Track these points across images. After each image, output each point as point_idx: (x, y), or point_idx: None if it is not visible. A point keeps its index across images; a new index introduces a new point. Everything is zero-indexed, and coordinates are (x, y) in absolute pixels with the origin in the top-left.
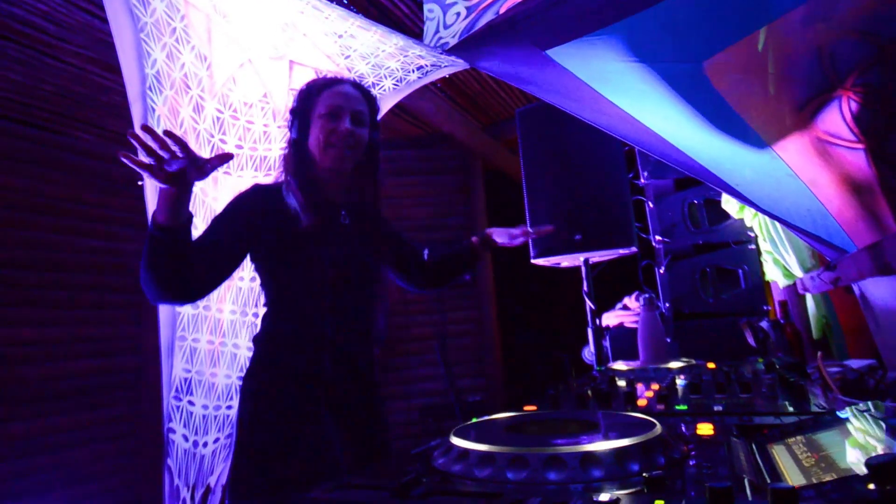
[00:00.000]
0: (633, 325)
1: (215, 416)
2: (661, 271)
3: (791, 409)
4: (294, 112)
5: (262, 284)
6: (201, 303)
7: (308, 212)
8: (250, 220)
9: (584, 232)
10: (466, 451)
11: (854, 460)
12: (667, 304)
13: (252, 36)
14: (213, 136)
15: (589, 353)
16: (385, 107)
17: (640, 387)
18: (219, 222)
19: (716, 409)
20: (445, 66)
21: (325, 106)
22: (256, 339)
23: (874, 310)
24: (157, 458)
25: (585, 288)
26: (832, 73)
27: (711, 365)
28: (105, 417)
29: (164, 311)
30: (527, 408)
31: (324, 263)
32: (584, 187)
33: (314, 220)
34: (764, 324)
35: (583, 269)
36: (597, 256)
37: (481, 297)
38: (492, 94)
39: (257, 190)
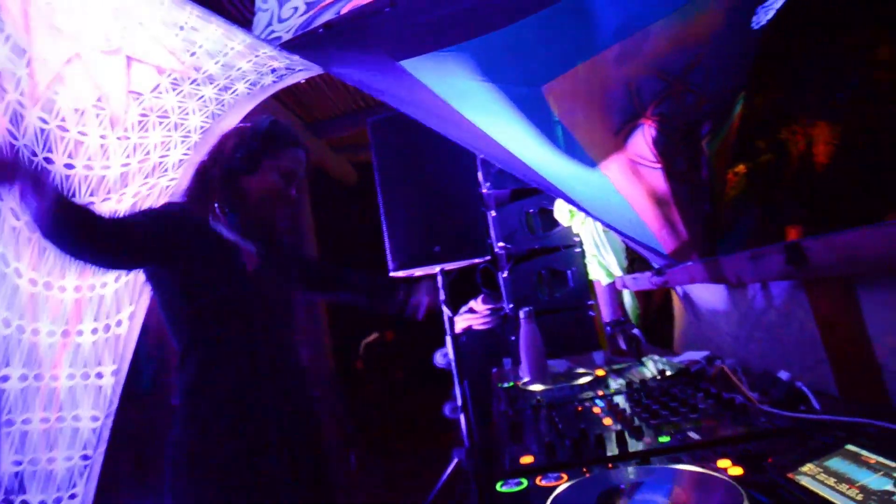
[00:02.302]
0: (482, 328)
1: None
2: (505, 275)
3: (745, 428)
4: (253, 150)
5: (185, 325)
6: (30, 373)
7: (245, 248)
8: (181, 243)
9: (442, 243)
10: None
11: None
12: (510, 305)
13: (79, 23)
14: (36, 155)
15: (441, 356)
16: (242, 113)
17: (599, 414)
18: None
19: (692, 435)
20: (300, 70)
21: (285, 165)
22: (187, 392)
23: (696, 307)
24: None
25: (442, 296)
26: (638, 104)
27: (601, 372)
28: None
29: None
30: (524, 460)
31: (259, 301)
32: (440, 199)
33: (250, 258)
34: (636, 331)
35: (439, 278)
36: (452, 266)
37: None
38: (318, 93)
39: (187, 215)
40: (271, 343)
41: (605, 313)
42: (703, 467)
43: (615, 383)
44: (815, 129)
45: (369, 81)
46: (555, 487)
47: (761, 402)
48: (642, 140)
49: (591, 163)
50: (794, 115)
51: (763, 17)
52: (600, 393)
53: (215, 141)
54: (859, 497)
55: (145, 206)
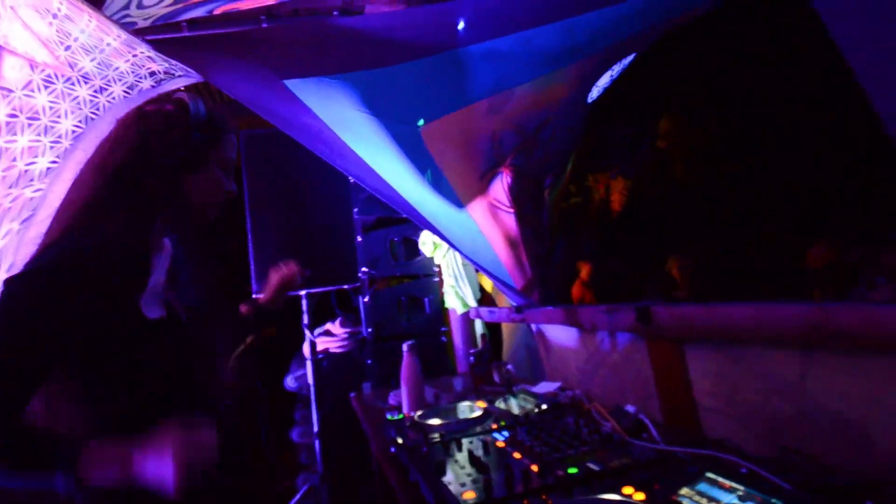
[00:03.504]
0: (339, 351)
1: None
2: (366, 299)
3: (628, 459)
4: (195, 141)
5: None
6: None
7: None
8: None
9: (312, 267)
10: None
11: None
12: (369, 329)
13: None
14: None
15: (292, 380)
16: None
17: (518, 457)
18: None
19: (592, 466)
20: (180, 76)
21: (227, 156)
22: None
23: (549, 343)
24: None
25: (306, 320)
26: (499, 153)
27: (481, 403)
28: None
29: None
30: (467, 496)
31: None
32: (314, 222)
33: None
34: (510, 366)
35: (304, 302)
36: (320, 290)
37: None
38: None
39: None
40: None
41: (458, 341)
42: (618, 495)
43: (503, 416)
44: (614, 181)
45: (252, 97)
46: None
47: (615, 430)
48: (500, 186)
49: (459, 204)
50: (599, 167)
51: (595, 93)
52: (494, 426)
53: (126, 134)
54: None
55: (4, 221)
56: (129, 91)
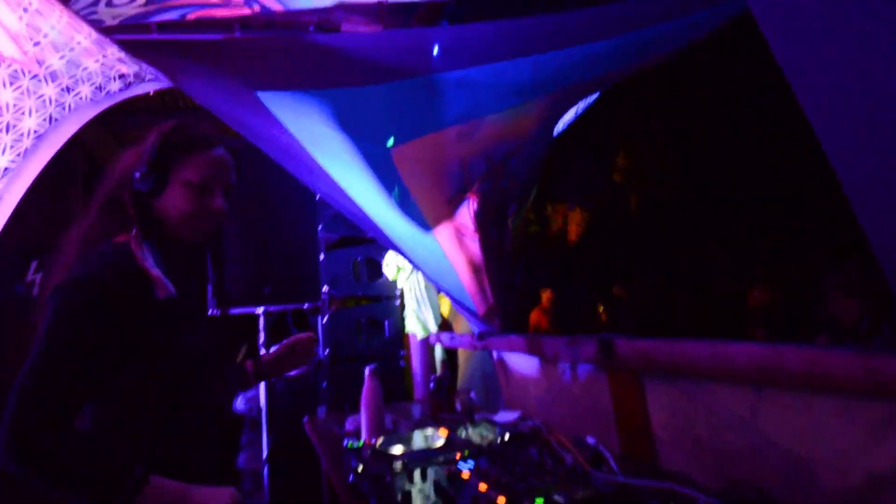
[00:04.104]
0: (293, 373)
1: None
2: (325, 320)
3: (592, 490)
4: (153, 164)
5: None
6: None
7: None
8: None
9: (274, 284)
10: None
11: None
12: (326, 350)
13: None
14: None
15: (242, 402)
16: (82, 121)
17: (483, 489)
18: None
19: (558, 498)
20: (149, 80)
21: (197, 174)
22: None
23: (509, 371)
24: None
25: (262, 339)
26: (467, 180)
27: (443, 431)
28: None
29: None
30: None
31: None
32: (278, 238)
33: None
34: (473, 394)
35: (261, 320)
36: (279, 308)
37: None
38: None
39: (122, 260)
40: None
41: (416, 366)
42: None
43: (465, 445)
44: (571, 212)
45: (222, 106)
46: None
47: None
48: (467, 212)
49: (427, 226)
50: (558, 197)
51: (561, 127)
52: (458, 455)
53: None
54: None
55: None
56: (97, 92)
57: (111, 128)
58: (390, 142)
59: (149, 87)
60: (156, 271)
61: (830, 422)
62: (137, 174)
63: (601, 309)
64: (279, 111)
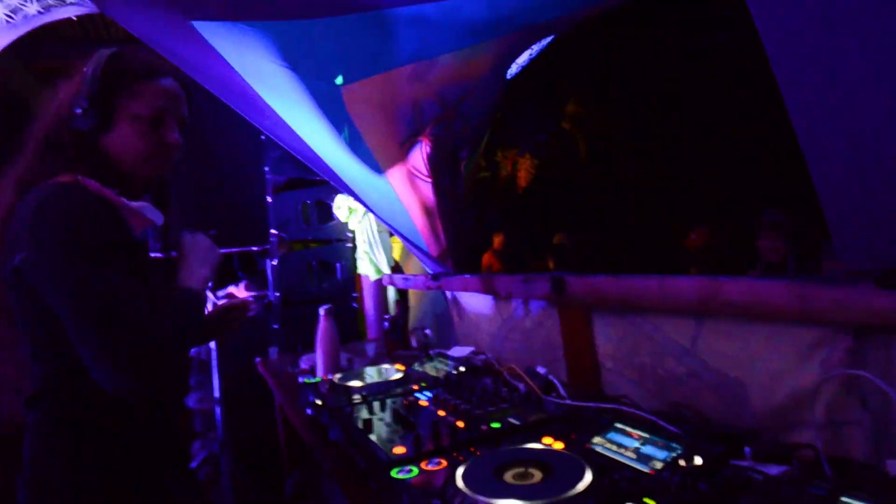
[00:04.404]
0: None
1: None
2: (274, 262)
3: (544, 414)
4: (93, 97)
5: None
6: None
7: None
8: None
9: (219, 227)
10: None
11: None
12: (276, 294)
13: None
14: None
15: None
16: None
17: (442, 414)
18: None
19: (513, 421)
20: (71, 3)
21: (147, 106)
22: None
23: (462, 309)
24: None
25: (210, 284)
26: (420, 122)
27: (400, 367)
28: None
29: None
30: (397, 451)
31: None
32: (222, 179)
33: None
34: (428, 331)
35: None
36: (227, 251)
37: None
38: None
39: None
40: None
41: (369, 307)
42: (540, 444)
43: (422, 378)
44: (521, 158)
45: (155, 36)
46: (440, 471)
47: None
48: (420, 155)
49: (379, 169)
50: (508, 144)
51: (514, 69)
52: (415, 387)
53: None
54: (633, 456)
55: None
56: (12, 16)
57: (24, 59)
58: (339, 79)
59: (70, 12)
60: (136, 203)
61: (762, 347)
62: (79, 110)
63: (548, 256)
64: (218, 43)
